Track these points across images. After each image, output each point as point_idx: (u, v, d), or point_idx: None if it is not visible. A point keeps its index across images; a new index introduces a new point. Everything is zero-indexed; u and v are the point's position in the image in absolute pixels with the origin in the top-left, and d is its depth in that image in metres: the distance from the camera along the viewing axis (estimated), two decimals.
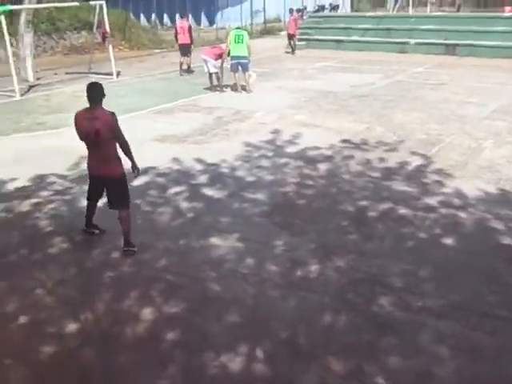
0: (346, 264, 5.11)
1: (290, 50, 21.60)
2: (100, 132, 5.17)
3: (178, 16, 18.28)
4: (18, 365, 3.86)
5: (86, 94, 5.22)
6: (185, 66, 17.14)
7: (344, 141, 9.12)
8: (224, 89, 14.22)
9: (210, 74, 14.08)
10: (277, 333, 4.13)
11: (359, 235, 5.73)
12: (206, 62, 13.85)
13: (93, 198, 5.72)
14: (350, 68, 17.71)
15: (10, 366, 3.84)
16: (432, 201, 6.55)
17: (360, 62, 18.82)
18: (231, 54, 13.62)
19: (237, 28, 14.24)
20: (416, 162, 7.97)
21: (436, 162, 7.90)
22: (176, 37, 17.25)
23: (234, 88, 14.08)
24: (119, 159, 5.48)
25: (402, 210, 6.29)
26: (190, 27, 17.20)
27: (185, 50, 16.93)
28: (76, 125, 5.31)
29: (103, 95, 5.29)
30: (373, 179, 7.34)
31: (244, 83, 13.85)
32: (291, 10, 22.46)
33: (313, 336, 4.09)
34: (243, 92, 13.81)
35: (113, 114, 5.29)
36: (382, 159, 8.12)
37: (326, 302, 4.53)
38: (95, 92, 5.23)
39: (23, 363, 3.87)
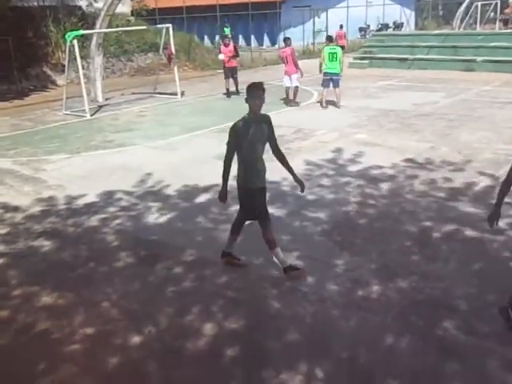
0: (409, 285, 5.01)
1: None
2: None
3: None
4: (84, 374, 3.99)
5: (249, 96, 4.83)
6: (232, 88, 17.09)
7: (407, 160, 8.98)
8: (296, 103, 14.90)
9: (288, 88, 14.83)
10: (337, 352, 4.09)
11: (422, 256, 5.60)
12: (290, 77, 14.60)
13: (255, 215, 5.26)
14: (413, 86, 17.47)
15: (78, 375, 3.98)
16: (500, 223, 6.30)
17: (424, 81, 18.53)
18: (325, 71, 14.13)
19: (329, 46, 14.45)
20: (483, 182, 7.74)
21: None
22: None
23: (321, 104, 14.44)
24: None
25: (468, 232, 6.11)
26: (235, 49, 17.32)
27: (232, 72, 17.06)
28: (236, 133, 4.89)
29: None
30: (437, 199, 7.18)
31: (335, 99, 14.34)
32: (341, 26, 23.80)
33: (373, 358, 4.02)
34: (328, 107, 14.29)
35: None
36: (447, 179, 7.94)
37: (387, 323, 4.45)
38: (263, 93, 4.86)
39: (90, 372, 4.00)
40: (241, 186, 5.12)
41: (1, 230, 6.77)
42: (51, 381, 3.91)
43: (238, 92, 16.93)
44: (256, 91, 4.80)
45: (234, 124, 4.92)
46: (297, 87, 14.85)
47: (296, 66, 14.60)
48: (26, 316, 4.76)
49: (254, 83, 4.90)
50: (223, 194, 5.18)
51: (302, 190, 5.45)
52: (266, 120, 5.04)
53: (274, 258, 5.28)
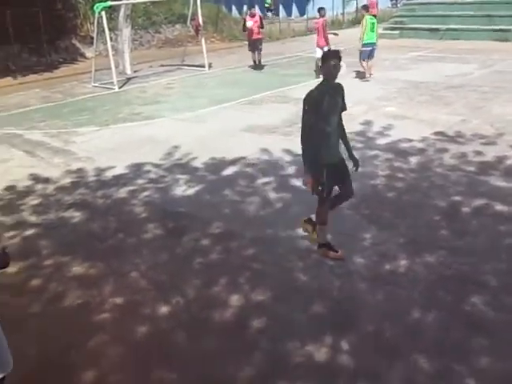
0: (437, 260, 4.96)
1: None
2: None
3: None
4: (114, 342, 4.08)
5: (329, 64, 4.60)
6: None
7: (437, 133, 8.82)
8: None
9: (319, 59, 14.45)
10: (363, 326, 4.09)
11: (451, 231, 5.53)
12: (321, 49, 14.19)
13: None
14: (444, 58, 17.05)
15: (108, 343, 4.07)
16: None
17: (456, 52, 18.06)
18: (366, 41, 13.75)
19: (370, 16, 14.18)
20: None
21: None
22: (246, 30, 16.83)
23: (361, 76, 14.15)
24: None
25: (499, 207, 6.00)
26: (261, 20, 17.03)
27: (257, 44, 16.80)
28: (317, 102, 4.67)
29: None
30: (468, 173, 7.05)
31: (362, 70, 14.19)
32: None
33: (400, 331, 4.02)
34: (356, 80, 14.08)
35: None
36: (478, 153, 7.78)
37: (414, 297, 4.43)
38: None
39: (119, 341, 4.10)
40: (308, 161, 4.87)
41: (32, 200, 6.91)
42: (82, 349, 4.02)
43: (260, 65, 16.78)
44: (332, 59, 4.60)
45: (310, 93, 4.66)
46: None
47: (325, 39, 14.38)
48: (58, 285, 4.88)
49: (329, 51, 4.67)
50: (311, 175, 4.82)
51: (356, 169, 5.23)
52: (340, 90, 4.85)
53: (304, 231, 5.25)
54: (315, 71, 14.75)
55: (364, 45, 13.80)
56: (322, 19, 14.52)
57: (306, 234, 5.27)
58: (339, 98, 4.81)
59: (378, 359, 3.73)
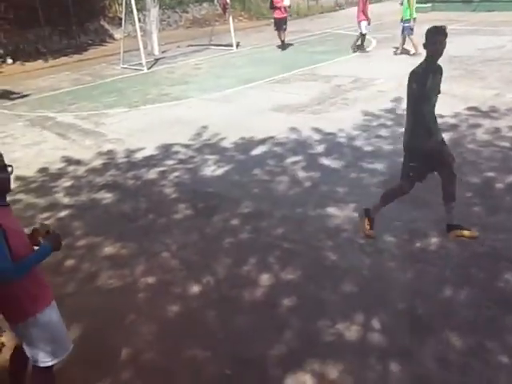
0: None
1: None
2: None
3: None
4: (146, 321, 4.15)
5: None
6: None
7: (470, 108, 8.63)
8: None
9: (363, 35, 14.61)
10: (394, 304, 4.07)
11: (484, 208, 5.43)
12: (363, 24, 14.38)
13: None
14: (477, 30, 16.59)
15: (139, 321, 4.15)
16: None
17: (490, 24, 17.56)
18: (412, 17, 13.39)
19: None
20: None
21: None
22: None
23: (405, 51, 13.83)
24: None
25: None
26: None
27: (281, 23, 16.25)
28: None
29: None
30: (502, 149, 6.89)
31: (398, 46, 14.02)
32: None
33: (432, 309, 3.98)
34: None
35: None
36: None
37: (446, 275, 4.37)
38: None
39: (151, 320, 4.16)
40: (407, 142, 4.73)
41: (65, 182, 7.03)
42: (116, 328, 4.10)
43: (283, 45, 16.39)
44: (437, 36, 4.41)
45: (414, 70, 4.49)
46: (362, 34, 14.55)
47: (364, 13, 14.26)
48: (91, 265, 4.98)
49: (434, 27, 4.45)
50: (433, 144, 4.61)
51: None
52: (441, 70, 4.62)
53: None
54: (353, 47, 14.63)
55: (407, 20, 13.36)
56: None
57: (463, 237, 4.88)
58: (440, 78, 4.60)
59: (410, 337, 3.70)
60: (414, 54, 13.22)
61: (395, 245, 4.89)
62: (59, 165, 7.68)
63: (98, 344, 3.91)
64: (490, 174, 6.19)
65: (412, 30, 13.35)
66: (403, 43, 13.69)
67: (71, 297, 4.49)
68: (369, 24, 14.44)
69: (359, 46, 14.71)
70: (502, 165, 6.39)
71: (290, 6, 16.26)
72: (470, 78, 10.74)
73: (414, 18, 13.36)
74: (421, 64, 4.52)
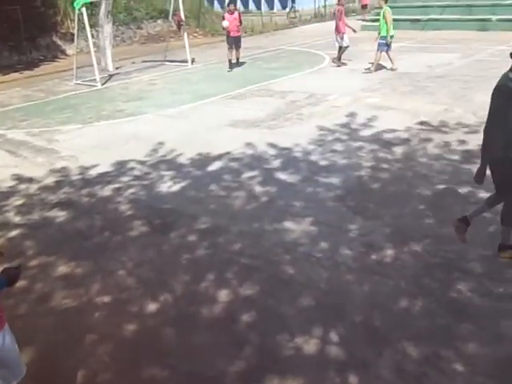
0: (423, 249, 5.00)
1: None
2: None
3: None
4: (102, 341, 4.06)
5: None
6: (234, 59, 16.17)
7: (421, 123, 8.88)
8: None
9: (340, 48, 15.00)
10: (351, 316, 4.11)
11: (436, 219, 5.58)
12: (341, 37, 14.80)
13: None
14: (426, 48, 17.15)
15: (95, 342, 4.05)
16: None
17: (437, 42, 18.18)
18: (391, 34, 13.57)
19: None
20: None
21: None
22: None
23: (378, 68, 14.08)
24: None
25: (483, 194, 6.01)
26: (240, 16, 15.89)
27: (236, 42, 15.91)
28: None
29: None
30: (452, 162, 7.10)
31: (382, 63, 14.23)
32: None
33: (388, 320, 4.04)
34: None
35: None
36: (461, 141, 7.84)
37: (401, 286, 4.46)
38: None
39: (108, 339, 4.07)
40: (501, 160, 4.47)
41: (16, 201, 6.83)
42: (70, 349, 3.99)
43: (238, 63, 16.18)
44: None
45: (502, 83, 4.20)
46: (345, 47, 15.05)
47: (344, 26, 14.82)
48: (44, 286, 4.84)
49: None
50: (481, 173, 4.61)
51: None
52: None
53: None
54: (336, 60, 15.10)
55: (383, 37, 13.49)
56: (342, 7, 14.96)
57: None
58: None
59: (367, 349, 3.75)
60: (391, 68, 13.65)
61: (351, 258, 4.95)
62: (10, 183, 7.47)
63: (52, 366, 3.79)
64: (441, 186, 6.37)
65: (388, 46, 13.59)
66: (378, 59, 13.81)
67: (23, 318, 4.35)
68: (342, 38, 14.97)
69: (339, 58, 15.13)
70: (453, 178, 6.59)
71: (227, 27, 15.61)
72: (419, 94, 11.06)
73: (392, 36, 13.54)
74: (505, 74, 4.24)
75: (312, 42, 20.82)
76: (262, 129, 9.20)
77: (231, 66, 15.97)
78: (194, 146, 8.44)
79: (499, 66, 13.00)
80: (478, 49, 16.16)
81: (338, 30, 14.78)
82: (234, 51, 15.93)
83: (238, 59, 16.26)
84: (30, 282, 4.90)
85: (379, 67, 13.96)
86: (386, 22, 13.35)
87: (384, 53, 13.68)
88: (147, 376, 3.66)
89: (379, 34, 13.60)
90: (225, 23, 15.51)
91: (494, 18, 19.84)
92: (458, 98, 10.50)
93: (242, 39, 16.53)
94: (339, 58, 15.13)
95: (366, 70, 14.06)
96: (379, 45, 13.65)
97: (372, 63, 14.03)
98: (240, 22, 15.77)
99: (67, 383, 3.64)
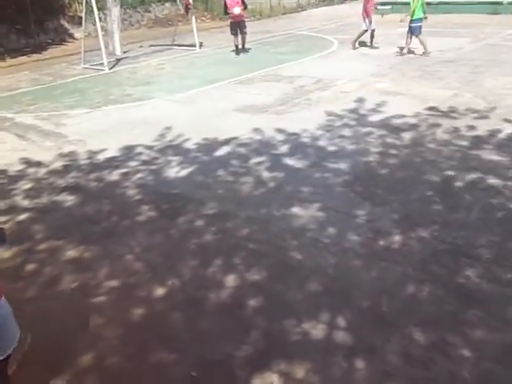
0: (430, 235, 4.98)
1: None
2: None
3: None
4: (110, 324, 4.09)
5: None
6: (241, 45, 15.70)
7: (430, 108, 8.81)
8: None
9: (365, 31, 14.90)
10: (358, 302, 4.12)
11: (444, 205, 5.55)
12: (370, 20, 14.72)
13: None
14: (436, 32, 16.94)
15: (103, 325, 4.08)
16: None
17: (447, 26, 17.98)
18: (417, 17, 13.41)
19: None
20: (508, 129, 7.57)
21: None
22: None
23: (409, 51, 13.93)
24: None
25: (492, 180, 6.02)
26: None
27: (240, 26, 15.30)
28: None
29: None
30: (460, 148, 7.05)
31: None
32: None
33: (395, 306, 4.04)
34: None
35: None
36: (470, 127, 7.78)
37: (408, 272, 4.45)
38: None
39: (116, 323, 4.10)
40: None
41: (25, 185, 6.87)
42: (79, 332, 4.03)
43: (244, 49, 15.68)
44: None
45: None
46: (365, 30, 14.88)
47: (366, 13, 14.61)
48: (53, 269, 4.87)
49: None
50: None
51: None
52: None
53: None
54: (370, 44, 15.09)
55: (413, 20, 13.37)
56: None
57: None
58: None
59: (375, 334, 3.76)
60: (424, 53, 13.41)
61: (359, 243, 4.95)
62: (18, 167, 7.51)
63: (60, 349, 3.83)
64: (450, 172, 6.33)
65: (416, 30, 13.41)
66: (422, 42, 13.55)
67: (32, 301, 4.39)
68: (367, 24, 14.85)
69: (357, 41, 15.07)
70: (461, 163, 6.55)
71: (239, 13, 15.10)
72: (428, 79, 10.97)
73: (420, 18, 13.38)
74: None
75: (320, 26, 20.64)
76: (270, 114, 9.16)
77: (238, 51, 15.60)
78: (201, 130, 8.42)
79: (510, 50, 12.94)
80: (489, 33, 15.98)
81: (366, 12, 14.54)
82: (239, 37, 15.45)
83: (243, 46, 15.70)
84: (39, 266, 4.94)
85: (410, 51, 13.83)
86: (422, 4, 13.26)
87: (414, 37, 13.48)
88: (155, 360, 3.69)
89: (412, 16, 13.37)
90: (236, 10, 14.84)
91: (505, 1, 19.59)
92: (468, 83, 10.40)
93: (250, 23, 16.27)
94: (371, 42, 15.08)
95: (397, 53, 14.00)
96: (414, 29, 13.39)
97: (402, 47, 13.97)
98: (244, 3, 15.07)
99: (75, 366, 3.68)
